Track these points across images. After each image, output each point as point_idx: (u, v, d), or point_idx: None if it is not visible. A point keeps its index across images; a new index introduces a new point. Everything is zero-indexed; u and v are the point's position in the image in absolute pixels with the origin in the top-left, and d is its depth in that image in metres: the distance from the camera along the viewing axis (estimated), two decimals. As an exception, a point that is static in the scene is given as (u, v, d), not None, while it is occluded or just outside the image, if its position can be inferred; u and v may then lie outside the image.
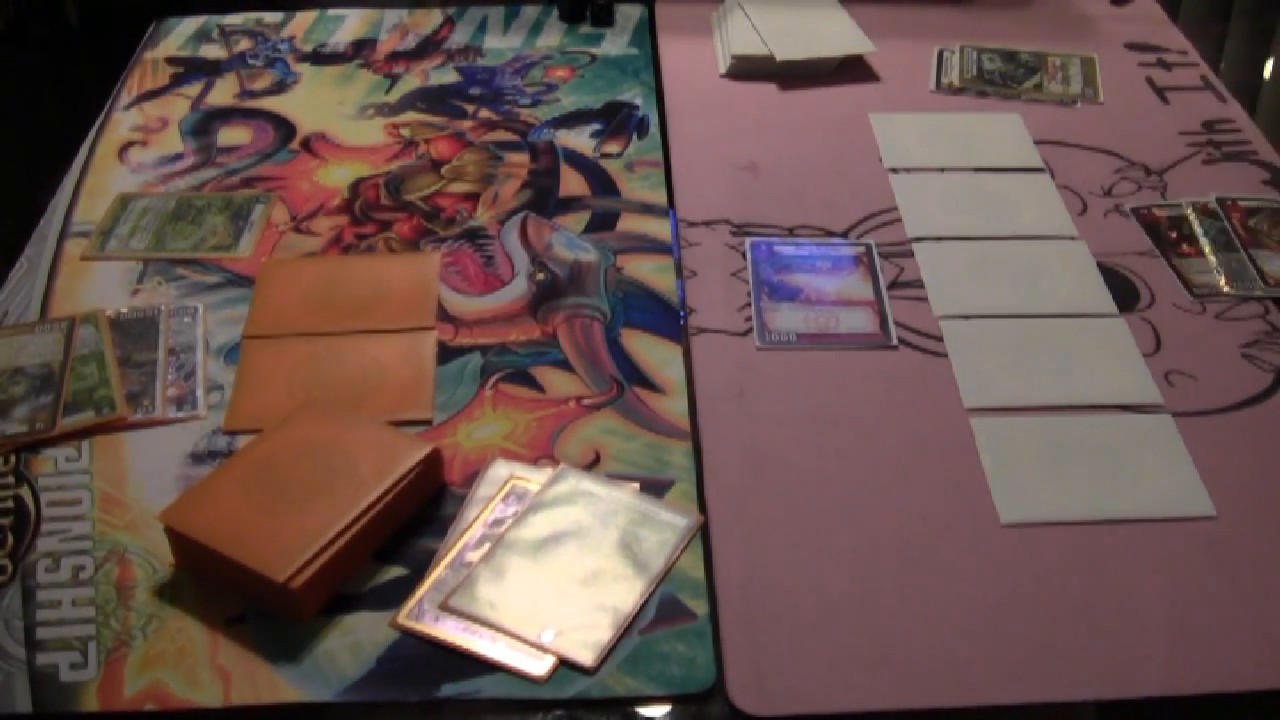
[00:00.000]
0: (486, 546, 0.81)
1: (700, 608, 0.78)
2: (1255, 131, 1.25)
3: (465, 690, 0.73)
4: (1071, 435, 0.90)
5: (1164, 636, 0.76)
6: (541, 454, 0.89)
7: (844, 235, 1.10)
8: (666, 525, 0.83)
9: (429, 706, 0.73)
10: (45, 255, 1.09)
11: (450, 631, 0.76)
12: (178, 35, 1.44)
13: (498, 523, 0.83)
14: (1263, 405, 0.93)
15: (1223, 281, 1.05)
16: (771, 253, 1.08)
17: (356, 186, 1.18)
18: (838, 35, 1.37)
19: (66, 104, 1.36)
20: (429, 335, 0.98)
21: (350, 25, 1.47)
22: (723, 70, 1.36)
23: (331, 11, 1.49)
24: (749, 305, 1.02)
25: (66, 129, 1.23)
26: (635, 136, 1.26)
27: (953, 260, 1.07)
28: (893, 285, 1.05)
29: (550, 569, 0.80)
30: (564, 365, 0.97)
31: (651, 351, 0.98)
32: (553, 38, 1.44)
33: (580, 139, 1.25)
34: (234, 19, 1.48)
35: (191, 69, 1.38)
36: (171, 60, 1.39)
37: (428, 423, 0.91)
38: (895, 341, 0.98)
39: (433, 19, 1.48)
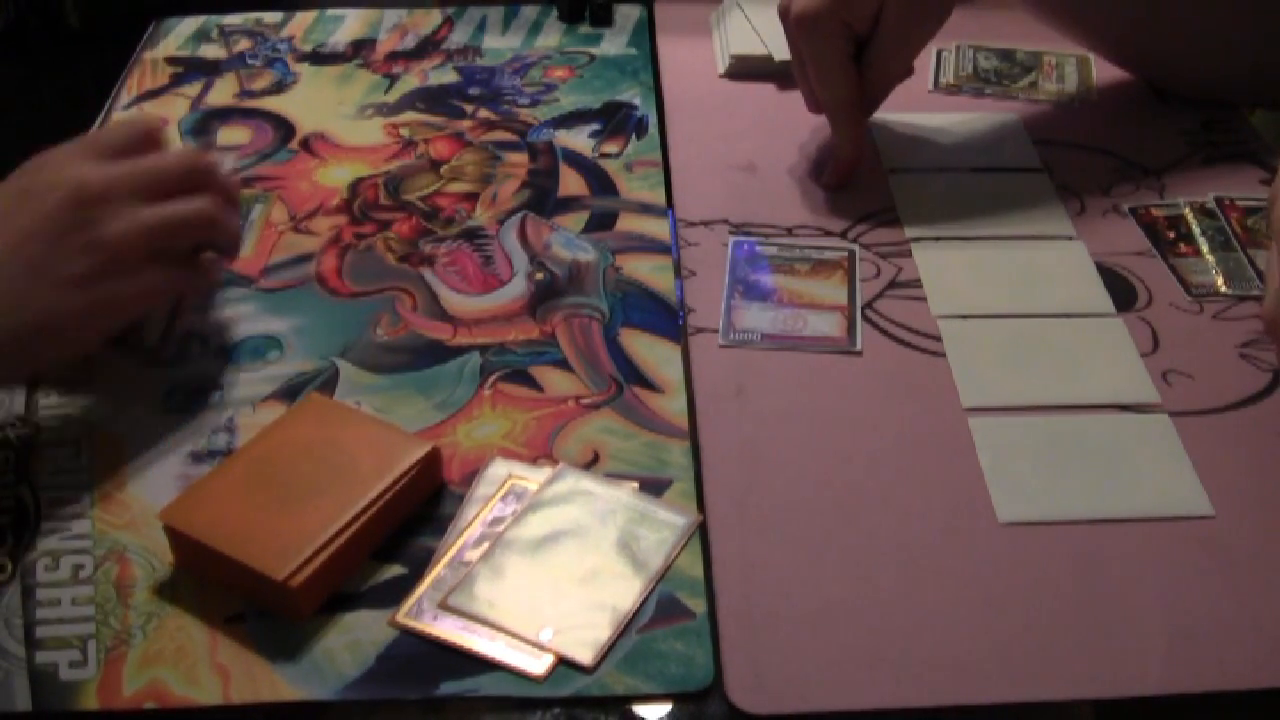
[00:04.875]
0: (485, 545, 0.81)
1: (699, 606, 0.78)
2: (1253, 131, 1.25)
3: (464, 688, 0.73)
4: (1069, 435, 0.90)
5: (1162, 635, 0.76)
6: (540, 453, 0.89)
7: (842, 235, 1.10)
8: (665, 524, 0.83)
9: (428, 704, 0.73)
10: (45, 255, 1.09)
11: (449, 630, 0.76)
12: (177, 35, 1.44)
13: (496, 521, 0.83)
14: (1261, 405, 0.93)
15: (1220, 281, 1.05)
16: (752, 252, 1.08)
17: (356, 186, 1.18)
18: (836, 35, 1.37)
19: (66, 104, 1.36)
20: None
21: (349, 25, 1.47)
22: (721, 70, 1.37)
23: (331, 11, 1.49)
24: (747, 305, 1.02)
25: (66, 129, 1.23)
26: (634, 136, 1.26)
27: (951, 260, 1.08)
28: (891, 285, 1.05)
29: (549, 568, 0.80)
30: (563, 365, 0.97)
31: (650, 351, 0.98)
32: (552, 38, 1.45)
33: (579, 139, 1.25)
34: (233, 19, 1.48)
35: (191, 69, 1.38)
36: (171, 60, 1.40)
37: None
38: (859, 347, 0.97)
39: (432, 19, 1.48)
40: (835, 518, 0.84)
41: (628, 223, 1.13)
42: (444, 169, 1.21)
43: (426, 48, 1.42)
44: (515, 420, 0.92)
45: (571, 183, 1.19)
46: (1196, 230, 1.11)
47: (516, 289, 1.05)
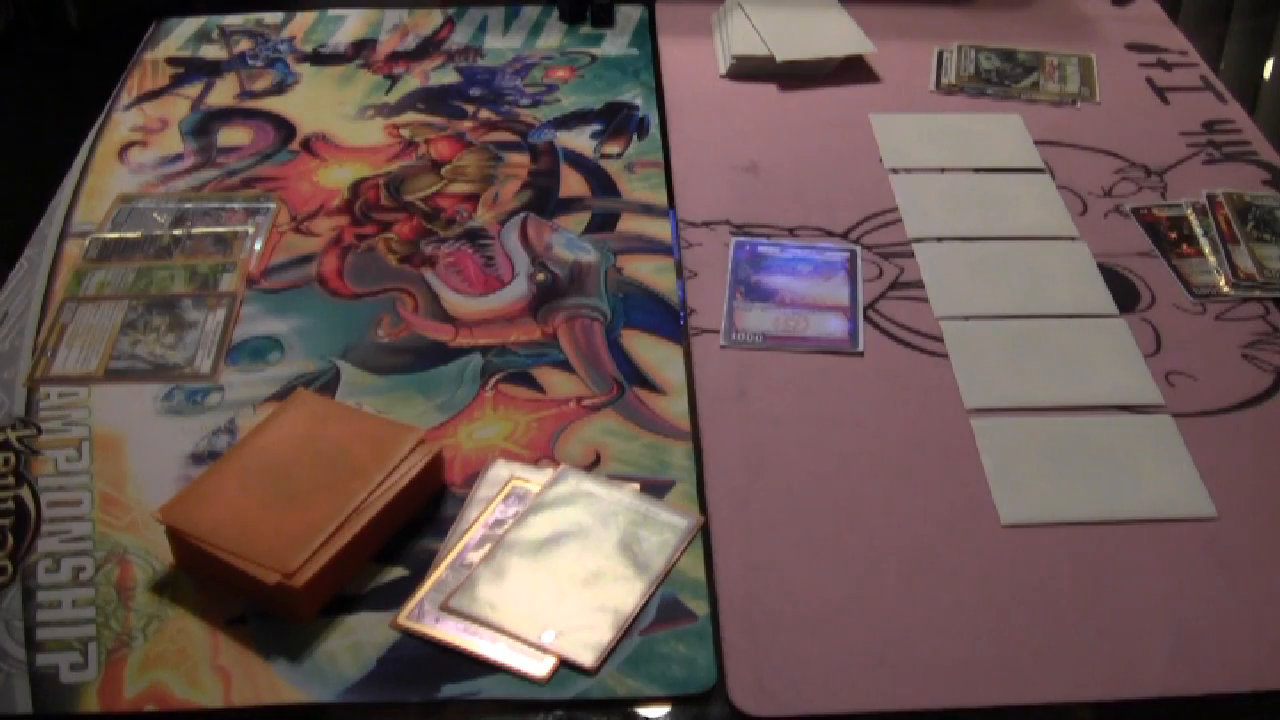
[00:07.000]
0: (487, 547, 0.81)
1: (701, 608, 0.78)
2: (1255, 132, 1.25)
3: (466, 691, 0.73)
4: (1072, 436, 0.90)
5: (1165, 637, 0.76)
6: (542, 455, 0.89)
7: (844, 236, 1.10)
8: (667, 526, 0.83)
9: (429, 707, 0.73)
10: (45, 255, 1.09)
11: (451, 632, 0.76)
12: (178, 36, 1.44)
13: (498, 523, 0.83)
14: (1263, 405, 0.93)
15: (1223, 281, 1.05)
16: (754, 253, 1.08)
17: (357, 187, 1.18)
18: (838, 35, 1.37)
19: (66, 104, 1.36)
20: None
21: (350, 26, 1.47)
22: (723, 71, 1.36)
23: (331, 12, 1.49)
24: (749, 306, 1.02)
25: (66, 129, 1.23)
26: (635, 137, 1.26)
27: (953, 261, 1.07)
28: (893, 286, 1.05)
29: (551, 570, 0.80)
30: (564, 366, 0.97)
31: (652, 352, 0.98)
32: (553, 38, 1.44)
33: (580, 139, 1.25)
34: (234, 19, 1.48)
35: (191, 69, 1.38)
36: (171, 61, 1.39)
37: None
38: (861, 348, 0.97)
39: (433, 19, 1.48)
40: (837, 519, 0.84)
41: (629, 223, 1.13)
42: (445, 170, 1.20)
43: (427, 48, 1.42)
44: (517, 421, 0.92)
45: (573, 183, 1.18)
46: (1199, 230, 1.11)
47: (518, 290, 1.05)
